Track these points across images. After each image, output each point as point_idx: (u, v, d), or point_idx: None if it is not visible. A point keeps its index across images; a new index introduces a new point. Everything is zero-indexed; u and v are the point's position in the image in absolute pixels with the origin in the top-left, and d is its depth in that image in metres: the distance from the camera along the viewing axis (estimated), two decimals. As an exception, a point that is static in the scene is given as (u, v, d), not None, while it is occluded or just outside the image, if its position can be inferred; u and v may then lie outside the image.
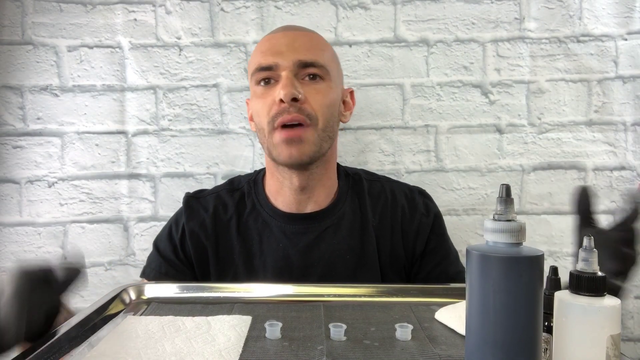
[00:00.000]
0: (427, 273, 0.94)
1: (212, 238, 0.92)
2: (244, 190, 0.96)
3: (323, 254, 0.90)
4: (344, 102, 0.95)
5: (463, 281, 0.47)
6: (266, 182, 0.96)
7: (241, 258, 0.91)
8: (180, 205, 0.97)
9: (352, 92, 0.98)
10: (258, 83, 0.88)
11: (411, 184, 1.18)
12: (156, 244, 0.97)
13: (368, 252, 0.92)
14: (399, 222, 0.94)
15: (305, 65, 0.86)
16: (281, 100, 0.84)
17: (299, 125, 0.85)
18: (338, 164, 0.99)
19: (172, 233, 0.95)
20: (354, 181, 0.97)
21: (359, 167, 1.17)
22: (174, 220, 0.96)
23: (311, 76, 0.87)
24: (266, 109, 0.86)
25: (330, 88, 0.89)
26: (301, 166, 0.88)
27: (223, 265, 0.92)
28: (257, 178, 0.98)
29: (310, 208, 0.93)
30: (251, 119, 0.94)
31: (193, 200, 0.96)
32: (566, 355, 0.47)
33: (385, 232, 0.94)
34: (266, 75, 0.87)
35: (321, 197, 0.93)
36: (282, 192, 0.92)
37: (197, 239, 0.92)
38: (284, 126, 0.85)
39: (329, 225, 0.92)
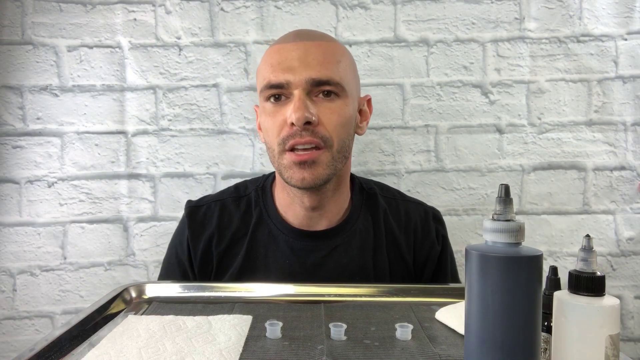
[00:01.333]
0: None
1: (215, 250, 0.89)
2: (251, 197, 0.92)
3: (331, 273, 0.86)
4: (360, 111, 0.89)
5: None
6: (276, 192, 0.91)
7: (244, 272, 0.88)
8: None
9: (369, 100, 0.92)
10: (267, 99, 0.82)
11: (411, 184, 1.19)
12: (167, 267, 0.93)
13: (379, 273, 0.89)
14: (411, 245, 0.91)
15: (318, 83, 0.79)
16: (293, 124, 0.78)
17: (313, 148, 0.79)
18: (353, 176, 0.95)
19: (180, 256, 0.91)
20: (368, 196, 0.93)
21: (358, 167, 1.17)
22: (178, 242, 0.92)
23: (325, 93, 0.80)
24: (276, 129, 0.80)
25: (346, 105, 0.82)
26: (313, 188, 0.82)
27: (224, 278, 0.89)
28: (265, 185, 0.93)
29: (321, 224, 0.88)
30: (259, 128, 0.89)
31: (195, 211, 0.92)
32: (565, 355, 0.47)
33: (399, 253, 0.91)
34: (276, 92, 0.81)
35: (333, 212, 0.89)
36: (292, 207, 0.88)
37: (202, 253, 0.89)
38: (296, 148, 0.79)
39: (339, 244, 0.88)
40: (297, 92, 0.79)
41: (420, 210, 0.95)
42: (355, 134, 0.88)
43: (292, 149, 0.79)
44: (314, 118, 0.78)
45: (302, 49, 0.81)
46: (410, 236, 0.92)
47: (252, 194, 0.92)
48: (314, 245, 0.88)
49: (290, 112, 0.78)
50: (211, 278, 0.90)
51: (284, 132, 0.80)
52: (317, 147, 0.79)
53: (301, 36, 0.84)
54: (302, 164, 0.79)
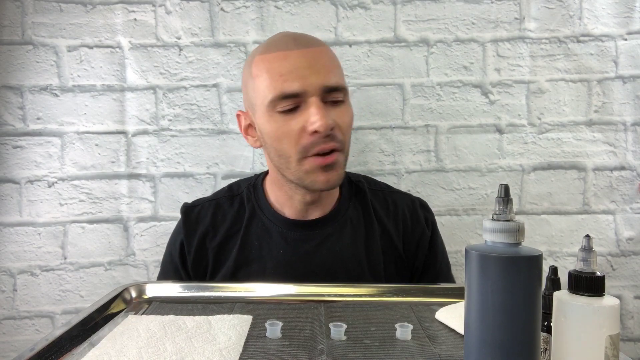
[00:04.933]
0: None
1: (210, 247, 0.91)
2: (244, 195, 0.95)
3: (325, 261, 0.89)
4: None
5: None
6: (269, 188, 0.94)
7: (240, 265, 0.90)
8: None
9: None
10: (277, 109, 0.81)
11: (411, 184, 1.19)
12: (162, 268, 0.96)
13: (373, 261, 0.91)
14: (401, 232, 0.94)
15: (331, 90, 0.81)
16: (315, 131, 0.78)
17: (333, 151, 0.81)
18: None
19: (173, 255, 0.94)
20: (357, 189, 0.96)
21: (358, 167, 1.17)
22: (172, 242, 0.95)
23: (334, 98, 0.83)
24: (293, 138, 0.80)
25: (349, 107, 0.86)
26: (334, 188, 0.86)
27: (221, 272, 0.91)
28: (256, 182, 0.96)
29: (314, 214, 0.91)
30: (246, 133, 0.90)
31: (190, 211, 0.94)
32: (565, 355, 0.47)
33: (390, 241, 0.93)
34: (293, 103, 0.80)
35: (326, 202, 0.92)
36: (290, 203, 0.90)
37: (196, 249, 0.92)
38: (319, 153, 0.81)
39: (331, 232, 0.90)
40: (313, 100, 0.80)
41: (407, 199, 0.97)
42: None
43: (315, 154, 0.81)
44: (334, 124, 0.81)
45: (308, 56, 0.82)
46: (399, 224, 0.94)
47: (245, 192, 0.95)
48: (307, 234, 0.90)
49: (313, 120, 0.79)
50: (207, 274, 0.92)
51: (305, 140, 0.80)
52: (336, 150, 0.82)
53: (300, 43, 0.84)
54: (327, 167, 0.81)
